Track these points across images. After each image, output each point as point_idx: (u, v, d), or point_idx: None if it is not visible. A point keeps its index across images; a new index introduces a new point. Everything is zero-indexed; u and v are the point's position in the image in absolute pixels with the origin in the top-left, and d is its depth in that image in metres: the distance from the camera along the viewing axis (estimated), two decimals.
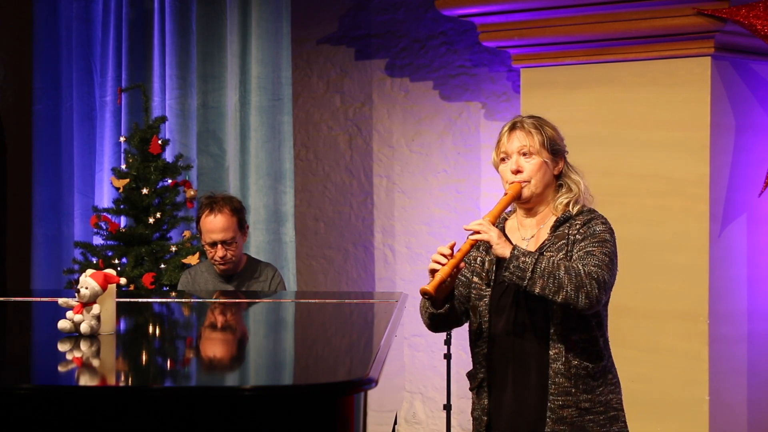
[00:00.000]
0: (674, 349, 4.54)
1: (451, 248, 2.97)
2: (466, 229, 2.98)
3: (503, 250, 2.92)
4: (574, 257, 2.95)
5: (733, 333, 4.58)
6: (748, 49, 4.53)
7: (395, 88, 5.88)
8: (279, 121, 5.61)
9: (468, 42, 5.66)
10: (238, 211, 4.37)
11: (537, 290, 2.88)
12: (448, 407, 4.83)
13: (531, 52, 4.94)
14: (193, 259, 5.10)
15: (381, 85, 5.91)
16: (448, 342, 4.66)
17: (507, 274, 2.92)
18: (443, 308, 3.08)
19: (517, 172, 3.03)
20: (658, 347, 4.57)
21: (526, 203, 3.08)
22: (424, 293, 2.92)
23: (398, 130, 5.89)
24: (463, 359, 5.54)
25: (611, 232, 3.02)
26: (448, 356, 4.71)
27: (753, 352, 4.66)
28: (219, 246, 4.31)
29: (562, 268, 2.87)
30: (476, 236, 2.95)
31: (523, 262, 2.88)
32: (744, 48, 4.52)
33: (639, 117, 4.66)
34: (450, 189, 5.75)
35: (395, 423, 4.04)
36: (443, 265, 2.93)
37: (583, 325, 2.96)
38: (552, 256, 2.93)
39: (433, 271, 2.96)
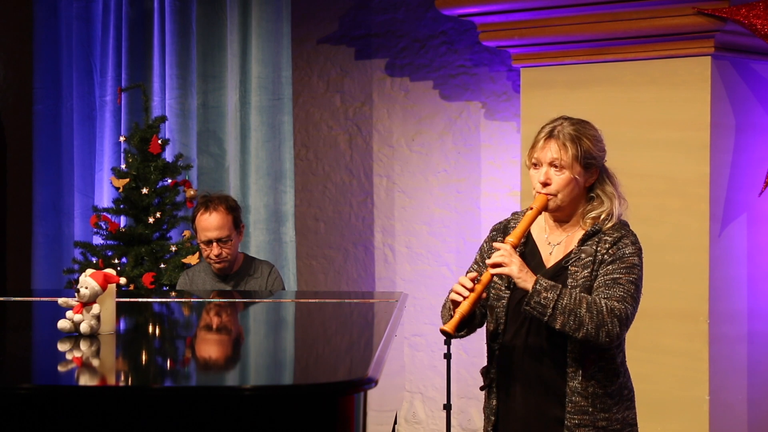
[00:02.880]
0: (674, 348, 4.54)
1: (473, 280, 2.93)
2: (488, 264, 2.92)
3: (525, 283, 2.88)
4: (598, 281, 2.90)
5: (733, 332, 4.58)
6: (749, 48, 4.52)
7: (395, 88, 5.88)
8: (279, 120, 5.61)
9: (468, 41, 5.66)
10: (233, 209, 4.38)
11: (557, 326, 2.85)
12: (448, 407, 4.82)
13: (531, 52, 4.94)
14: (192, 259, 5.10)
15: (381, 85, 5.91)
16: (448, 342, 4.66)
17: (527, 308, 2.89)
18: (462, 331, 3.06)
19: (546, 184, 2.97)
20: (658, 347, 4.57)
21: (553, 213, 3.04)
22: (444, 333, 2.90)
23: (398, 130, 5.89)
24: (463, 359, 5.55)
25: (640, 252, 2.97)
26: (448, 356, 4.71)
27: (753, 351, 4.66)
28: (214, 244, 4.32)
29: (584, 306, 2.84)
30: (497, 270, 2.90)
31: (545, 298, 2.85)
32: (744, 47, 4.52)
33: (639, 117, 4.66)
34: (450, 189, 5.75)
35: (395, 423, 4.04)
36: (465, 298, 2.91)
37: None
38: (574, 292, 2.87)
39: (454, 302, 2.92)
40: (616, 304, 2.86)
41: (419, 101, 5.82)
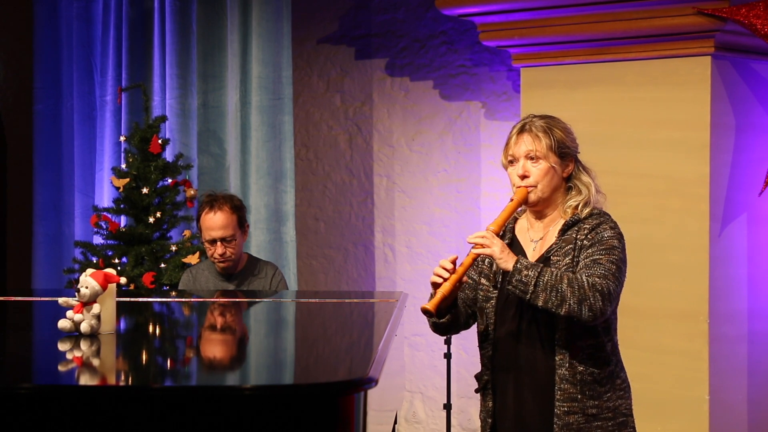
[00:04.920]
0: (674, 348, 4.54)
1: (453, 262, 2.95)
2: (469, 242, 2.96)
3: (506, 263, 2.90)
4: (580, 265, 2.93)
5: (733, 332, 4.58)
6: (749, 48, 4.53)
7: (395, 88, 5.88)
8: (279, 120, 5.61)
9: (468, 41, 5.66)
10: (238, 209, 4.39)
11: (540, 303, 2.87)
12: (448, 407, 4.83)
13: (531, 52, 4.94)
14: (193, 259, 5.10)
15: (381, 85, 5.92)
16: (448, 341, 4.66)
17: (510, 287, 2.92)
18: (445, 318, 3.08)
19: (524, 176, 3.00)
20: (658, 347, 4.57)
21: (534, 207, 3.06)
22: (424, 312, 2.91)
23: (398, 130, 5.89)
24: (463, 359, 5.55)
25: (620, 237, 2.99)
26: (448, 356, 4.71)
27: (753, 351, 4.66)
28: (218, 243, 4.32)
29: (565, 281, 2.85)
30: (479, 250, 2.93)
31: (526, 275, 2.87)
32: (744, 47, 4.52)
33: (639, 117, 4.66)
34: (450, 188, 5.75)
35: (395, 422, 4.04)
36: (445, 279, 2.93)
37: (589, 330, 2.94)
38: (555, 270, 2.90)
39: (434, 285, 2.95)
40: (597, 279, 2.87)
41: (419, 101, 5.82)
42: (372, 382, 2.38)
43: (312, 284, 6.08)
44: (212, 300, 4.25)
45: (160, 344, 3.21)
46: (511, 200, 3.03)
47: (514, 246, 3.10)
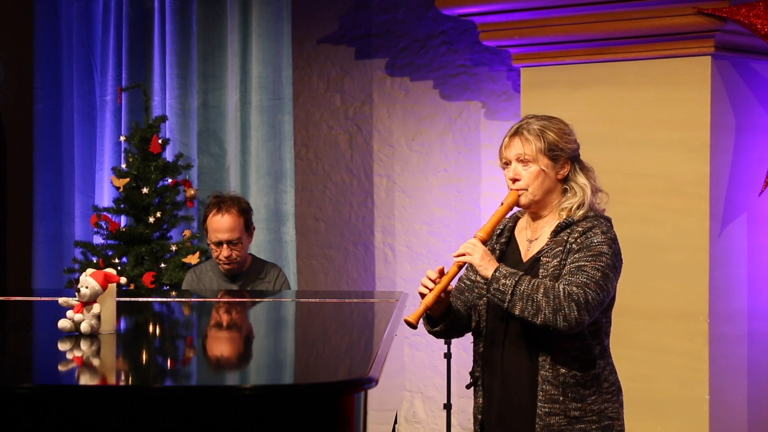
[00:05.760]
0: (674, 348, 4.54)
1: (440, 272, 2.98)
2: (454, 257, 2.98)
3: (486, 271, 2.93)
4: (565, 270, 2.92)
5: (733, 332, 4.58)
6: (749, 48, 4.53)
7: (395, 88, 5.88)
8: (279, 120, 5.61)
9: (468, 41, 5.66)
10: (245, 211, 4.38)
11: (517, 312, 2.88)
12: (448, 406, 4.83)
13: (531, 52, 4.94)
14: (193, 259, 5.10)
15: (381, 85, 5.92)
16: (448, 341, 4.66)
17: (489, 295, 2.94)
18: (438, 327, 3.10)
19: (515, 180, 3.01)
20: (658, 347, 4.57)
21: (527, 209, 3.06)
22: (408, 324, 2.93)
23: (398, 130, 5.89)
24: (463, 358, 5.54)
25: (611, 242, 2.95)
26: (448, 355, 4.71)
27: (753, 351, 4.66)
28: (224, 246, 4.31)
29: (541, 291, 2.85)
30: (461, 258, 2.96)
31: (503, 284, 2.88)
32: (744, 47, 4.52)
33: (639, 117, 4.66)
34: (450, 188, 5.75)
35: (395, 422, 4.04)
36: (431, 290, 2.95)
37: (575, 333, 2.92)
38: (535, 279, 2.90)
39: (422, 295, 2.97)
40: (574, 289, 2.85)
41: (419, 101, 5.83)
42: (372, 382, 2.38)
43: (312, 284, 6.08)
44: (212, 300, 4.25)
45: (160, 344, 3.21)
46: (502, 204, 3.04)
47: (512, 245, 3.11)
